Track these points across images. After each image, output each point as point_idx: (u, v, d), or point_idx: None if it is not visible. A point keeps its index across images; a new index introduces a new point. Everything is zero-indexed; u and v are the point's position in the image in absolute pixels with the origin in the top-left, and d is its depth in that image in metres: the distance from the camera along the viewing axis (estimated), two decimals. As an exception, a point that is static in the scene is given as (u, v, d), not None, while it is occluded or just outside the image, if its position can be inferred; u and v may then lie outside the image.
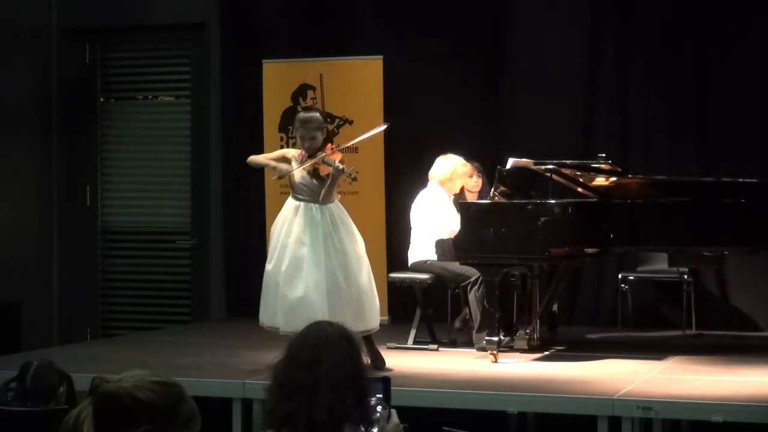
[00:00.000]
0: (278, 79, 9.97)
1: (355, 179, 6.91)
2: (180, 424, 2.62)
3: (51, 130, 10.73)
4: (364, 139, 7.61)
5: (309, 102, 9.84)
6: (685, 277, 8.87)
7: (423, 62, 9.87)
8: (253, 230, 10.06)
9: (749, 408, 6.10)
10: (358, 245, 7.08)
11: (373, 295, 7.11)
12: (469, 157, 8.54)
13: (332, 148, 7.08)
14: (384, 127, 7.79)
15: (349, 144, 7.62)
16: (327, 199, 7.04)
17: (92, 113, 10.81)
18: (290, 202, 7.14)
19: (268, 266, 7.07)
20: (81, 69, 10.75)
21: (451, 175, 8.34)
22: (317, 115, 7.16)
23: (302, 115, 7.19)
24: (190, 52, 10.69)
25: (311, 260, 6.90)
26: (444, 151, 8.46)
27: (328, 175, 6.98)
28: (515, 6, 9.80)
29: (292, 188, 7.15)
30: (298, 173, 7.04)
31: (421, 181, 8.50)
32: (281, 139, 9.95)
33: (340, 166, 6.88)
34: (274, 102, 9.96)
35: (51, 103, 10.72)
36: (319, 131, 7.05)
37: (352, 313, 6.84)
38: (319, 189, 7.02)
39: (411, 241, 8.36)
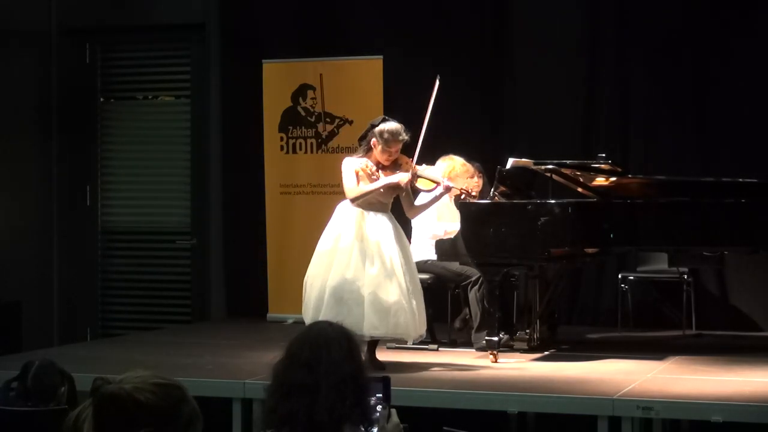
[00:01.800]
0: (278, 79, 9.97)
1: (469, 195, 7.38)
2: (181, 425, 2.62)
3: (51, 130, 10.73)
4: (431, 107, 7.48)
5: (309, 102, 9.84)
6: (685, 277, 8.87)
7: (423, 62, 9.85)
8: (253, 230, 10.07)
9: (749, 408, 6.09)
10: (409, 251, 7.28)
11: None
12: (469, 158, 8.53)
13: (411, 162, 7.14)
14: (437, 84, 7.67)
15: (425, 123, 7.42)
16: (417, 214, 7.45)
17: (92, 113, 10.81)
18: (351, 210, 7.08)
19: (347, 274, 6.94)
20: (81, 69, 10.75)
21: (450, 175, 8.33)
22: (402, 127, 7.12)
23: (391, 126, 7.07)
24: (190, 52, 10.69)
25: (392, 266, 6.97)
26: (444, 152, 8.45)
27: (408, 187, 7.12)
28: (515, 6, 9.80)
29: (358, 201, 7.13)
30: (364, 185, 7.05)
31: (421, 181, 8.50)
32: (281, 139, 9.95)
33: (453, 185, 7.26)
34: (274, 102, 9.95)
35: (51, 103, 10.73)
36: (401, 143, 7.10)
37: (418, 317, 7.07)
38: (387, 199, 7.08)
39: (411, 241, 8.35)
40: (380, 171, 7.08)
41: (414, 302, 7.04)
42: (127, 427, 2.55)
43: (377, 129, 7.08)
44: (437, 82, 7.47)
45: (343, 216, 7.11)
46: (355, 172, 7.08)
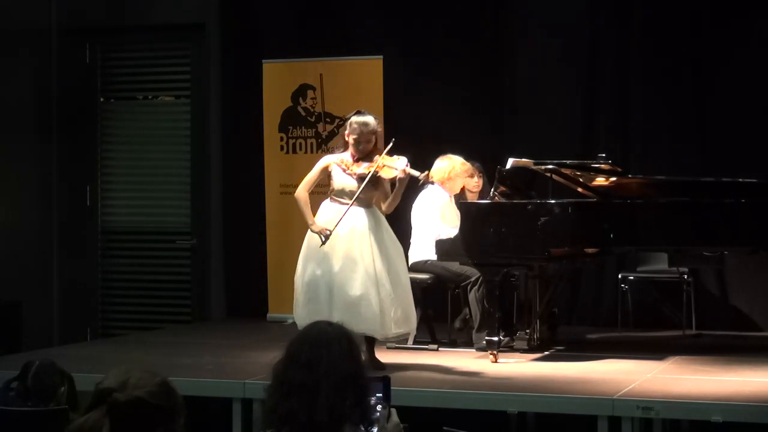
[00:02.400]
0: (278, 79, 9.97)
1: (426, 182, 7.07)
2: (180, 416, 2.70)
3: (51, 130, 10.72)
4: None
5: (309, 102, 9.84)
6: (685, 277, 8.87)
7: (423, 62, 9.87)
8: (253, 230, 10.06)
9: (749, 408, 6.10)
10: (398, 247, 7.21)
11: (411, 298, 7.23)
12: (469, 157, 8.53)
13: (391, 152, 7.08)
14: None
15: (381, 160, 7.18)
16: (393, 207, 7.18)
17: (92, 113, 10.80)
18: (332, 206, 7.12)
19: (317, 271, 6.99)
20: (81, 69, 10.74)
21: (451, 175, 8.34)
22: (373, 119, 7.14)
23: (359, 118, 7.12)
24: (190, 52, 10.69)
25: (362, 262, 6.94)
26: (444, 152, 8.46)
27: (382, 179, 7.05)
28: (515, 6, 9.80)
29: (335, 193, 7.15)
30: (342, 178, 7.04)
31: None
32: (281, 139, 9.96)
33: (416, 173, 6.98)
34: (274, 102, 9.95)
35: (51, 103, 10.72)
36: (374, 135, 7.07)
37: (400, 314, 7.01)
38: (365, 193, 7.03)
39: (411, 241, 8.35)
40: (355, 164, 7.08)
41: (383, 297, 6.94)
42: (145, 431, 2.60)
43: (348, 121, 7.14)
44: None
45: (323, 213, 7.14)
46: (326, 166, 7.12)
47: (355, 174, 7.07)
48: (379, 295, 6.93)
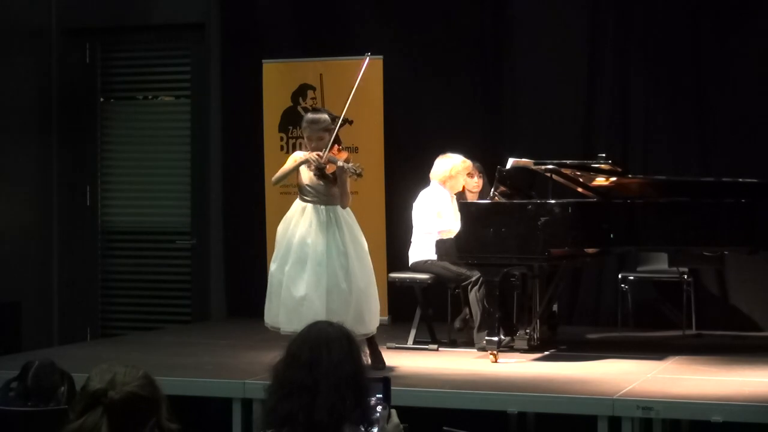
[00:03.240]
0: (278, 79, 9.97)
1: (360, 175, 6.96)
2: (164, 404, 2.81)
3: (51, 130, 10.72)
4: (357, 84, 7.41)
5: (309, 102, 9.83)
6: (685, 277, 8.87)
7: (423, 62, 9.87)
8: (253, 230, 10.06)
9: (749, 408, 6.10)
10: (360, 247, 7.11)
11: (374, 299, 7.15)
12: (469, 157, 8.53)
13: (338, 148, 7.10)
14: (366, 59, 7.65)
15: (348, 101, 7.34)
16: (345, 202, 7.11)
17: (92, 113, 10.80)
18: (297, 204, 7.17)
19: (273, 266, 7.10)
20: (81, 69, 10.75)
21: (452, 173, 8.34)
22: (325, 116, 7.17)
23: (310, 115, 7.22)
24: (190, 52, 10.69)
25: (314, 260, 6.92)
26: (444, 151, 8.46)
27: (334, 174, 7.00)
28: (515, 6, 9.79)
29: (299, 190, 7.17)
30: (306, 174, 7.05)
31: (421, 180, 8.50)
32: (281, 139, 9.95)
33: (341, 163, 6.92)
34: (274, 102, 9.95)
35: (51, 103, 10.72)
36: (326, 132, 7.08)
37: (352, 315, 6.87)
38: (325, 190, 7.05)
39: (412, 240, 8.36)
40: (317, 159, 7.07)
41: (330, 298, 6.88)
42: (140, 425, 2.63)
43: (304, 119, 7.24)
44: (366, 59, 7.38)
45: (290, 211, 7.18)
46: (295, 161, 7.12)
47: (316, 170, 7.07)
48: (325, 297, 6.87)
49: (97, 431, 2.63)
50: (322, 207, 7.06)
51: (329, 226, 7.01)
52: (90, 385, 2.69)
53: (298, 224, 7.03)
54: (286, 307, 6.91)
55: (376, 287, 7.19)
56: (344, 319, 6.53)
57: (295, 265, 6.95)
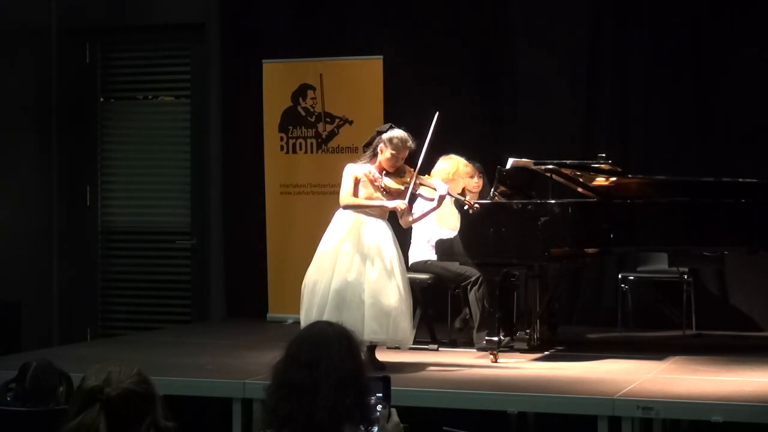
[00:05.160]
0: (278, 79, 9.97)
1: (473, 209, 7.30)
2: (159, 400, 2.82)
3: (51, 130, 10.72)
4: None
5: (309, 102, 9.84)
6: (685, 277, 8.87)
7: (423, 62, 9.86)
8: (253, 230, 10.06)
9: (749, 408, 6.09)
10: (402, 259, 7.27)
11: (408, 312, 7.25)
12: (469, 158, 8.52)
13: (413, 171, 7.15)
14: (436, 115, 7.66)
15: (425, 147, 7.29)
16: (412, 223, 7.41)
17: (92, 113, 10.81)
18: (350, 215, 7.08)
19: (349, 276, 6.94)
20: (81, 69, 10.75)
21: (452, 175, 8.33)
22: (409, 136, 7.18)
23: (401, 134, 7.12)
24: (190, 52, 10.69)
25: (396, 270, 6.99)
26: (445, 152, 8.45)
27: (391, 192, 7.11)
28: (515, 6, 9.80)
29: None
30: (370, 191, 7.08)
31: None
32: (281, 138, 9.95)
33: (463, 199, 7.37)
34: (274, 102, 9.95)
35: (51, 103, 10.72)
36: (408, 152, 7.16)
37: (411, 323, 7.14)
38: (383, 206, 7.11)
39: (411, 241, 8.35)
40: (383, 177, 7.11)
41: (408, 308, 7.07)
42: (137, 422, 2.65)
43: (386, 136, 7.12)
44: (436, 116, 7.37)
45: (342, 221, 7.11)
46: (356, 178, 7.09)
47: (384, 187, 7.09)
48: (408, 306, 7.05)
49: (95, 428, 2.64)
50: (381, 220, 7.13)
51: (392, 237, 7.11)
52: (86, 383, 2.71)
53: (364, 233, 7.01)
54: (376, 316, 6.90)
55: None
56: (413, 326, 7.13)
57: (381, 275, 6.95)
